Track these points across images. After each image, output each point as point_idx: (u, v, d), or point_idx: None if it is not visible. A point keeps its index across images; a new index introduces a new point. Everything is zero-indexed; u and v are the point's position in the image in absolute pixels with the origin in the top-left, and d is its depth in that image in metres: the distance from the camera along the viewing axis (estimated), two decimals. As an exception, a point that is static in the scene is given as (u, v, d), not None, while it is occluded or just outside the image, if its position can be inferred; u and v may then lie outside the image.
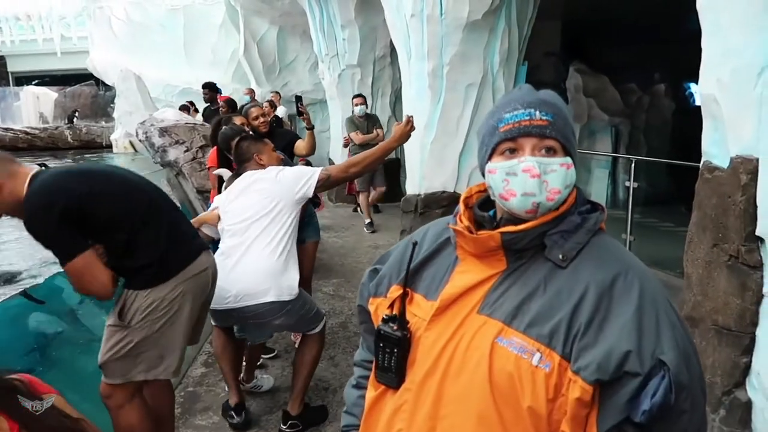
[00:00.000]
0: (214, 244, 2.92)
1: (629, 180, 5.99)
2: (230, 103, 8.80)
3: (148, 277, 2.18)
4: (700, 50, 2.48)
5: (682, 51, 5.93)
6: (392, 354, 1.05)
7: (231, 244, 2.72)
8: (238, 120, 4.18)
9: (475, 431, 0.95)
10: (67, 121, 18.76)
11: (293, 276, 2.72)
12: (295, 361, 3.02)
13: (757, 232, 2.18)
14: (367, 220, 7.71)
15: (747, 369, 2.26)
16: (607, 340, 0.90)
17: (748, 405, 2.24)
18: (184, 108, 10.39)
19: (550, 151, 1.00)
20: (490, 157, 1.04)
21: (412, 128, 2.78)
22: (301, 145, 4.49)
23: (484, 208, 1.10)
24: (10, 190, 1.99)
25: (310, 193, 2.73)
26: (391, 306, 1.10)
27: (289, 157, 4.15)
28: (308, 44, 11.41)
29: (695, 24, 2.52)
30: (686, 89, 12.29)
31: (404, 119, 2.81)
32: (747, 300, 2.23)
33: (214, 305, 2.75)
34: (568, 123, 1.03)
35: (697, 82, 2.53)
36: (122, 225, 2.12)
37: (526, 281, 0.99)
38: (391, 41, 7.37)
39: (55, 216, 1.94)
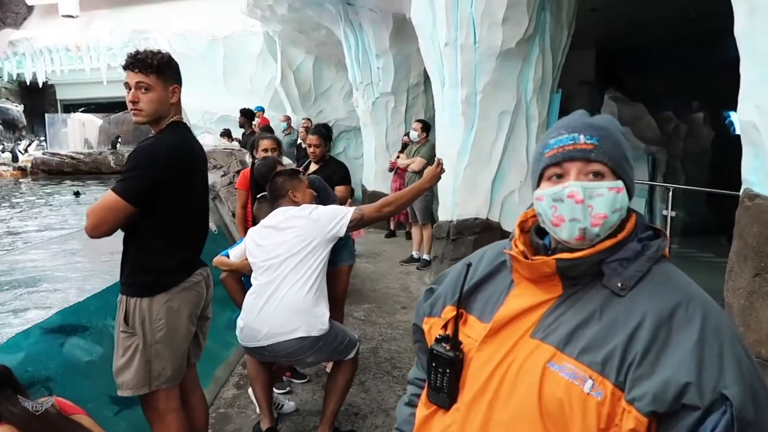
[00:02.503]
0: (246, 277, 2.98)
1: (667, 209, 5.89)
2: (265, 129, 9.02)
3: (145, 284, 2.20)
4: (738, 77, 2.46)
5: (720, 78, 5.85)
6: (444, 374, 1.05)
7: (262, 282, 2.75)
8: (265, 143, 4.31)
9: None
10: (110, 147, 19.39)
11: (323, 311, 2.75)
12: (327, 385, 3.02)
13: (802, 262, 2.12)
14: (417, 254, 7.37)
15: (793, 404, 2.17)
16: (665, 370, 0.87)
17: (794, 442, 2.15)
18: (225, 134, 10.67)
19: (598, 175, 0.98)
20: (538, 184, 1.04)
21: (443, 170, 2.83)
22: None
23: (540, 232, 1.09)
24: (164, 102, 2.23)
25: (342, 233, 2.76)
26: (445, 326, 1.11)
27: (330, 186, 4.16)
28: (343, 73, 11.62)
29: (733, 51, 2.50)
30: (725, 117, 12.06)
31: (435, 162, 2.86)
32: (792, 332, 2.15)
33: (246, 343, 2.80)
34: (618, 146, 1.01)
35: (736, 110, 2.50)
36: (175, 218, 2.22)
37: (582, 308, 0.97)
38: (424, 69, 7.44)
39: (158, 166, 2.12)
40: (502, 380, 0.98)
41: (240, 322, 2.80)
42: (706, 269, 6.28)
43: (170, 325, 2.22)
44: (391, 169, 8.16)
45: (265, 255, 2.79)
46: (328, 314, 2.77)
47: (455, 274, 1.19)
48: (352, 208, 2.82)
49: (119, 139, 19.94)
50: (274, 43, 13.24)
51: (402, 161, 7.48)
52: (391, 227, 9.23)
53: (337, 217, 2.76)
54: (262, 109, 11.44)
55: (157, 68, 2.19)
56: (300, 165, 6.22)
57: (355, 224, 2.80)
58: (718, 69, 6.62)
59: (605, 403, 0.89)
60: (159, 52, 2.24)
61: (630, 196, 1.02)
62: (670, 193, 5.94)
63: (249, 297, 2.79)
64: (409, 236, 8.46)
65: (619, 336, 0.92)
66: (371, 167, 10.19)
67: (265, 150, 4.25)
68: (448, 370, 1.04)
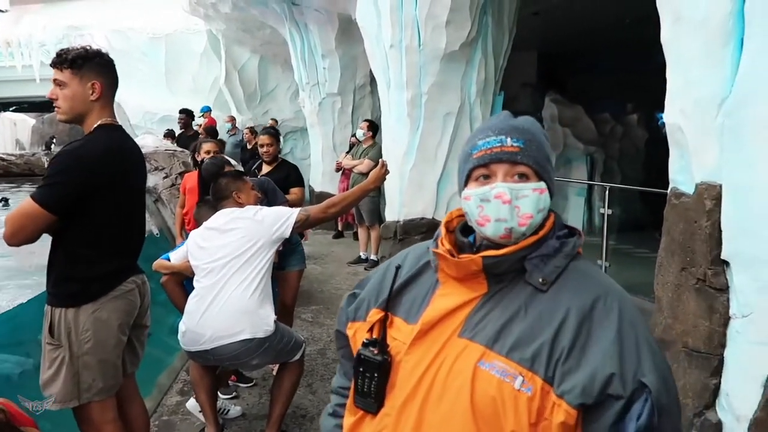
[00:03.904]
0: (189, 279, 2.92)
1: (604, 207, 6.12)
2: (209, 130, 8.84)
3: (71, 294, 2.11)
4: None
5: (653, 81, 6.12)
6: (372, 378, 1.04)
7: (205, 284, 2.71)
8: (207, 146, 4.29)
9: None
10: (44, 148, 18.53)
11: (268, 313, 2.73)
12: (273, 388, 3.00)
13: (723, 256, 2.25)
14: (364, 255, 7.39)
15: (716, 390, 2.31)
16: (590, 363, 0.91)
17: (718, 426, 2.28)
18: (168, 135, 10.40)
19: (523, 177, 1.02)
20: (466, 184, 1.07)
21: (387, 172, 2.87)
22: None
23: (465, 232, 1.12)
24: (82, 100, 2.13)
25: (288, 234, 2.75)
26: (371, 330, 1.10)
27: (283, 191, 4.15)
28: (289, 73, 11.52)
29: (664, 56, 2.63)
30: (658, 119, 12.62)
31: (379, 163, 2.90)
32: (715, 322, 2.28)
33: (188, 347, 2.74)
34: (542, 149, 1.05)
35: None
36: (107, 225, 2.13)
37: (507, 305, 1.00)
38: (371, 70, 7.48)
39: (81, 172, 2.03)
40: (433, 382, 0.98)
41: (182, 326, 2.75)
42: (642, 264, 6.55)
43: (98, 337, 2.13)
44: (337, 170, 8.15)
45: (208, 257, 2.74)
46: (273, 316, 2.75)
47: (379, 276, 1.19)
48: (298, 209, 2.81)
49: (54, 140, 19.08)
50: (217, 42, 12.99)
51: (347, 162, 7.46)
52: (339, 228, 9.22)
53: (282, 218, 2.75)
54: (208, 110, 11.19)
55: (70, 63, 2.10)
56: (245, 166, 6.15)
57: (301, 225, 2.79)
58: (651, 72, 6.91)
59: (535, 398, 0.92)
60: (79, 48, 2.14)
61: (551, 196, 1.06)
62: (607, 192, 6.18)
63: (191, 300, 2.74)
64: (356, 237, 8.47)
65: (546, 332, 0.95)
66: (318, 168, 10.15)
67: (208, 153, 4.20)
68: (376, 374, 1.04)
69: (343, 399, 1.23)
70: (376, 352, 1.05)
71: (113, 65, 2.25)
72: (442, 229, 1.12)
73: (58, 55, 2.13)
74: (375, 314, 1.11)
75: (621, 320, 0.95)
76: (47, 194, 2.00)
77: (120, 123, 2.32)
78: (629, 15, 8.89)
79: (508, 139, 1.02)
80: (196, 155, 4.37)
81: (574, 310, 0.96)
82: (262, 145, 4.51)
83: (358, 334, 1.15)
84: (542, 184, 1.03)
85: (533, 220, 1.01)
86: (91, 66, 2.15)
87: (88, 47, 2.19)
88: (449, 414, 0.96)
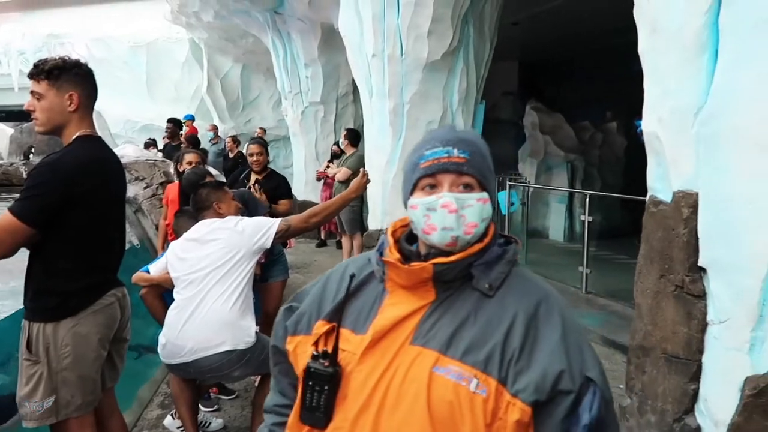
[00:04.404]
0: (169, 291, 2.88)
1: (585, 214, 6.19)
2: (191, 139, 8.78)
3: (49, 309, 2.07)
4: (646, 89, 2.63)
5: (632, 90, 6.22)
6: (322, 392, 1.03)
7: (185, 296, 2.67)
8: (189, 157, 4.29)
9: None
10: (22, 157, 18.29)
11: (249, 324, 2.70)
12: (255, 400, 2.97)
13: (700, 263, 2.29)
14: None
15: (695, 395, 2.34)
16: (541, 362, 0.95)
17: (697, 431, 2.31)
18: (150, 144, 10.30)
19: (468, 187, 1.04)
20: (412, 193, 1.09)
21: (368, 180, 2.88)
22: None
23: (409, 241, 1.14)
24: (59, 111, 2.11)
25: (268, 244, 2.73)
26: (316, 343, 1.08)
27: (272, 201, 4.19)
28: (272, 81, 11.52)
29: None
30: (637, 126, 12.81)
31: (360, 172, 2.90)
32: (693, 328, 2.32)
33: (169, 360, 2.70)
34: (485, 160, 1.08)
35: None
36: (85, 237, 2.09)
37: (457, 311, 1.02)
38: (353, 79, 7.50)
39: (60, 184, 1.99)
40: (387, 391, 0.99)
41: (162, 338, 2.71)
42: (622, 270, 6.63)
43: (77, 352, 2.08)
44: (319, 179, 8.14)
45: (188, 269, 2.71)
46: (254, 327, 2.73)
47: (318, 290, 1.18)
48: (279, 219, 2.80)
49: (32, 150, 18.84)
50: (200, 51, 12.95)
51: (332, 170, 7.48)
52: (322, 237, 9.20)
53: (263, 229, 2.73)
54: (192, 118, 11.10)
55: (47, 74, 2.07)
56: (228, 175, 6.12)
57: (282, 235, 2.78)
58: (629, 80, 7.02)
59: (490, 399, 0.94)
60: (57, 59, 2.12)
61: (492, 206, 1.10)
62: (587, 199, 6.24)
63: (171, 312, 2.71)
64: (339, 245, 8.46)
65: (496, 335, 0.98)
66: (301, 177, 10.14)
67: (190, 163, 4.19)
68: (326, 387, 1.03)
69: (279, 418, 1.20)
70: (326, 364, 1.04)
71: (92, 76, 2.22)
72: (389, 239, 1.13)
73: (36, 66, 2.10)
74: (321, 326, 1.10)
75: (563, 321, 1.01)
76: (26, 207, 1.97)
77: (100, 132, 2.29)
78: (608, 25, 9.03)
79: (455, 150, 1.05)
80: (178, 166, 4.34)
81: (521, 313, 1.00)
82: (251, 155, 4.50)
83: (300, 347, 1.13)
84: (485, 195, 1.06)
85: (478, 229, 1.04)
86: (68, 77, 2.12)
87: (66, 58, 2.16)
88: (406, 421, 0.96)
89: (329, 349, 1.06)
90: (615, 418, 1.00)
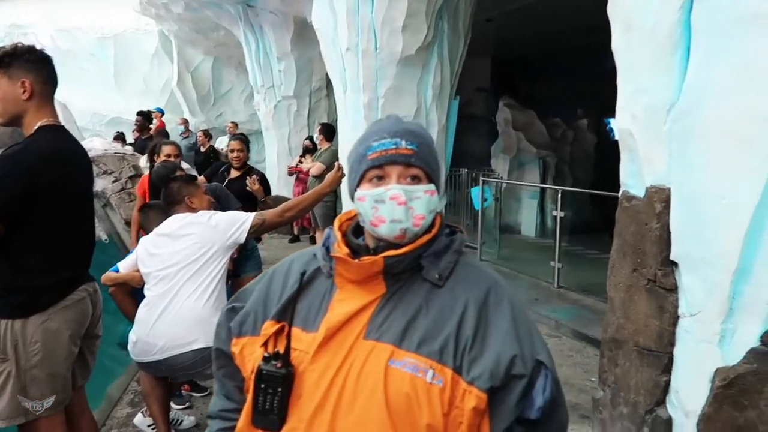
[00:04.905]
0: (138, 290, 2.81)
1: (557, 210, 6.26)
2: (161, 133, 8.62)
3: (17, 305, 2.00)
4: (617, 87, 2.66)
5: (602, 87, 6.31)
6: (275, 394, 1.00)
7: (157, 292, 2.61)
8: (167, 149, 4.24)
9: None
10: (-17, 151, 17.77)
11: None
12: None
13: (672, 257, 2.32)
14: None
15: (667, 388, 2.38)
16: (493, 349, 0.97)
17: (669, 422, 2.35)
18: (118, 138, 10.08)
19: (415, 179, 1.04)
20: (358, 184, 1.07)
21: (343, 175, 2.85)
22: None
23: (356, 234, 1.12)
24: (13, 100, 2.02)
25: (242, 239, 2.68)
26: (265, 344, 1.05)
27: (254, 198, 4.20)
28: (244, 75, 11.37)
29: (613, 62, 2.71)
30: (606, 124, 13.03)
31: (335, 167, 2.87)
32: (665, 321, 2.35)
33: (140, 358, 2.64)
34: (432, 152, 1.08)
35: (615, 118, 2.70)
36: (53, 231, 2.02)
37: (408, 303, 1.02)
38: (327, 74, 7.45)
39: (23, 176, 1.91)
40: (343, 387, 0.97)
41: (132, 336, 2.65)
42: (594, 265, 6.75)
43: (48, 348, 2.02)
44: (291, 174, 8.08)
45: (159, 264, 2.65)
46: None
47: (263, 288, 1.15)
48: (253, 214, 2.75)
49: (-5, 142, 18.29)
50: (169, 43, 12.71)
51: (306, 165, 7.44)
52: (295, 232, 9.14)
53: (237, 223, 2.68)
54: (161, 111, 10.90)
55: None
56: (200, 169, 6.03)
57: (256, 230, 2.73)
58: (600, 78, 7.12)
59: (446, 389, 0.95)
60: (8, 46, 2.03)
61: (438, 198, 1.10)
62: (559, 195, 6.31)
63: (142, 309, 2.64)
64: (313, 241, 8.41)
65: (449, 324, 0.99)
66: (273, 171, 10.04)
67: (168, 156, 4.13)
68: (279, 389, 1.00)
69: (226, 423, 1.16)
70: (279, 365, 1.01)
71: (47, 61, 2.11)
72: (337, 233, 1.11)
73: None
74: (270, 326, 1.07)
75: (512, 307, 1.03)
76: None
77: (66, 125, 2.21)
78: (580, 23, 9.15)
79: (403, 142, 1.04)
80: (155, 158, 4.26)
81: (471, 302, 1.02)
82: (232, 150, 4.53)
83: (246, 349, 1.10)
84: (432, 186, 1.06)
85: (425, 221, 1.04)
86: (19, 64, 2.03)
87: (18, 44, 2.07)
88: (364, 416, 0.95)
89: (281, 350, 1.02)
90: (563, 398, 1.03)
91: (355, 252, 1.07)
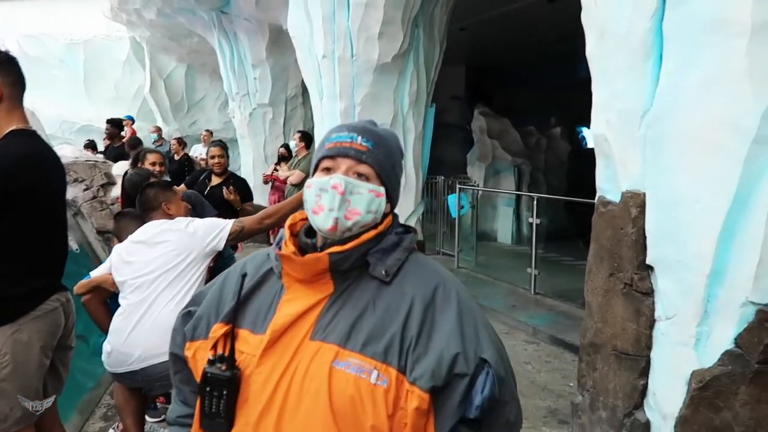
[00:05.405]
0: (113, 297, 2.75)
1: (532, 216, 6.31)
2: (134, 141, 8.49)
3: None
4: (589, 96, 2.69)
5: (575, 97, 6.42)
6: (221, 397, 0.99)
7: (133, 301, 2.55)
8: (152, 157, 4.17)
9: None
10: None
11: None
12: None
13: (647, 261, 2.36)
14: None
15: (644, 391, 2.40)
16: (436, 348, 0.95)
17: (647, 425, 2.37)
18: (89, 146, 9.87)
19: (362, 177, 1.04)
20: (314, 173, 1.09)
21: None
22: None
23: (309, 235, 1.11)
24: None
25: (221, 246, 2.63)
26: (215, 347, 1.04)
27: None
28: (218, 82, 11.28)
29: (586, 71, 2.75)
30: (579, 132, 13.24)
31: None
32: (642, 325, 2.38)
33: (115, 368, 2.57)
34: (390, 156, 1.08)
35: (588, 126, 2.73)
36: (25, 238, 1.95)
37: (356, 302, 1.01)
38: (303, 81, 7.42)
39: None
40: (289, 390, 0.96)
41: (107, 346, 2.58)
42: (569, 271, 6.82)
43: (18, 360, 1.95)
44: (266, 182, 8.01)
45: (135, 272, 2.59)
46: None
47: (216, 291, 1.14)
48: (232, 221, 2.71)
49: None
50: (141, 50, 12.55)
51: (283, 173, 7.39)
52: (271, 240, 9.06)
53: (215, 230, 2.64)
54: (131, 119, 10.72)
55: None
56: (174, 177, 5.94)
57: (235, 237, 2.69)
58: (572, 87, 7.24)
59: (391, 390, 0.93)
60: None
61: (393, 205, 1.11)
62: (535, 202, 6.37)
63: (117, 318, 2.58)
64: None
65: (395, 323, 0.98)
66: (249, 179, 9.82)
67: (152, 164, 4.06)
68: (225, 392, 0.99)
69: (184, 429, 1.14)
70: (224, 368, 1.00)
71: (12, 63, 2.05)
72: (286, 232, 1.10)
73: None
74: (218, 329, 1.05)
75: (459, 305, 1.01)
76: None
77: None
78: (552, 33, 9.30)
79: (359, 138, 1.05)
80: (140, 165, 4.19)
81: (418, 299, 1.00)
82: (213, 157, 4.51)
83: (199, 353, 1.08)
84: (381, 189, 1.06)
85: (360, 218, 1.03)
86: None
87: None
88: (308, 419, 0.94)
89: (226, 353, 1.01)
90: (512, 395, 1.00)
91: (303, 251, 1.06)
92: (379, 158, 1.05)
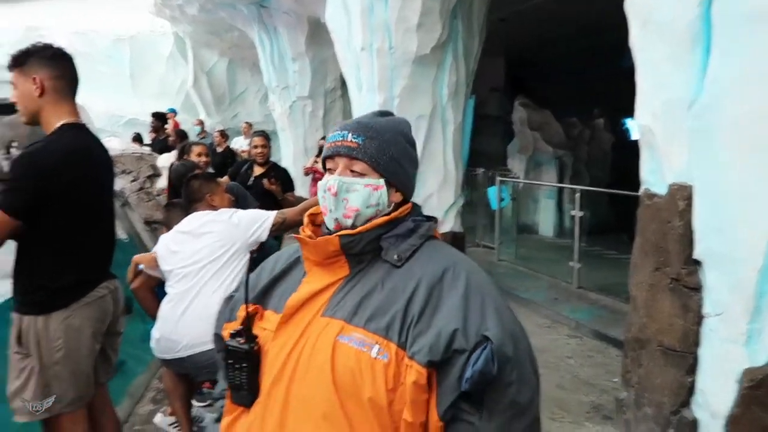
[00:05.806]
0: (160, 285, 2.83)
1: (575, 209, 6.20)
2: (180, 133, 8.69)
3: (39, 302, 2.01)
4: (633, 86, 2.63)
5: (618, 87, 6.24)
6: (242, 369, 1.04)
7: (179, 290, 2.62)
8: (197, 149, 4.27)
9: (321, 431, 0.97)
10: (4, 152, 18.02)
11: None
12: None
13: (695, 256, 2.29)
14: None
15: (692, 388, 2.35)
16: (437, 324, 0.96)
17: (694, 423, 2.32)
18: (136, 139, 10.17)
19: (358, 173, 1.06)
20: None
21: None
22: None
23: None
24: (29, 97, 2.05)
25: (264, 237, 2.69)
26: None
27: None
28: (258, 76, 11.42)
29: (629, 61, 2.68)
30: (623, 123, 12.91)
31: None
32: (689, 321, 2.33)
33: (163, 355, 2.66)
34: (385, 148, 1.08)
35: (632, 117, 2.67)
36: (74, 230, 2.03)
37: (366, 282, 1.04)
38: (341, 74, 7.45)
39: (43, 175, 1.93)
40: (298, 362, 1.00)
41: (155, 332, 2.67)
42: (613, 265, 6.68)
43: (70, 345, 2.04)
44: (306, 174, 8.10)
45: (181, 262, 2.67)
46: None
47: (254, 277, 1.19)
48: (274, 212, 2.76)
49: (14, 144, 18.57)
50: (184, 45, 12.81)
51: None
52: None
53: (258, 221, 2.69)
54: (173, 111, 10.99)
55: (15, 62, 2.02)
56: (217, 169, 6.06)
57: (277, 228, 2.74)
58: (616, 78, 7.06)
59: (391, 364, 0.95)
60: (29, 46, 2.06)
61: (406, 193, 1.12)
62: (577, 195, 6.26)
63: (165, 306, 2.66)
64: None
65: (399, 301, 1.00)
66: (289, 171, 10.07)
67: (198, 155, 4.15)
68: (245, 365, 1.04)
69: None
70: (242, 341, 1.05)
71: (62, 57, 2.11)
72: (306, 219, 1.15)
73: (11, 56, 2.05)
74: (242, 310, 1.11)
75: (468, 284, 1.01)
76: (10, 200, 1.92)
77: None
78: (594, 22, 9.07)
79: (349, 135, 1.07)
80: (186, 157, 4.29)
81: (424, 279, 1.01)
82: (255, 146, 4.59)
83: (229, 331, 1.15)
84: (380, 181, 1.07)
85: (360, 214, 1.05)
86: (32, 61, 2.05)
87: (37, 43, 2.09)
88: (313, 390, 0.98)
89: (252, 330, 1.07)
90: (520, 378, 0.96)
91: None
92: (370, 152, 1.06)
